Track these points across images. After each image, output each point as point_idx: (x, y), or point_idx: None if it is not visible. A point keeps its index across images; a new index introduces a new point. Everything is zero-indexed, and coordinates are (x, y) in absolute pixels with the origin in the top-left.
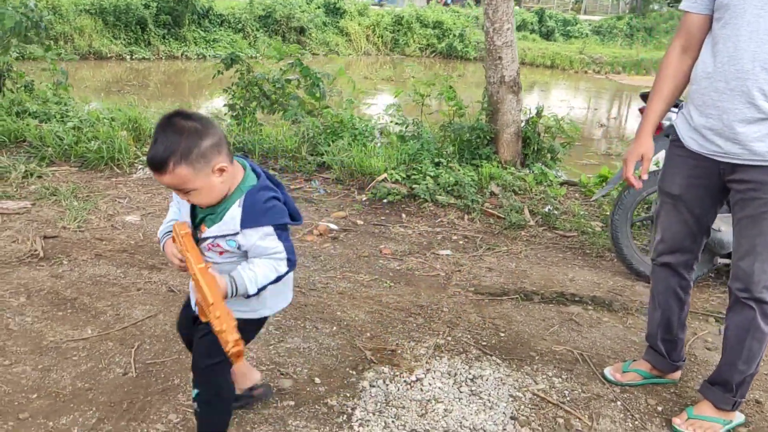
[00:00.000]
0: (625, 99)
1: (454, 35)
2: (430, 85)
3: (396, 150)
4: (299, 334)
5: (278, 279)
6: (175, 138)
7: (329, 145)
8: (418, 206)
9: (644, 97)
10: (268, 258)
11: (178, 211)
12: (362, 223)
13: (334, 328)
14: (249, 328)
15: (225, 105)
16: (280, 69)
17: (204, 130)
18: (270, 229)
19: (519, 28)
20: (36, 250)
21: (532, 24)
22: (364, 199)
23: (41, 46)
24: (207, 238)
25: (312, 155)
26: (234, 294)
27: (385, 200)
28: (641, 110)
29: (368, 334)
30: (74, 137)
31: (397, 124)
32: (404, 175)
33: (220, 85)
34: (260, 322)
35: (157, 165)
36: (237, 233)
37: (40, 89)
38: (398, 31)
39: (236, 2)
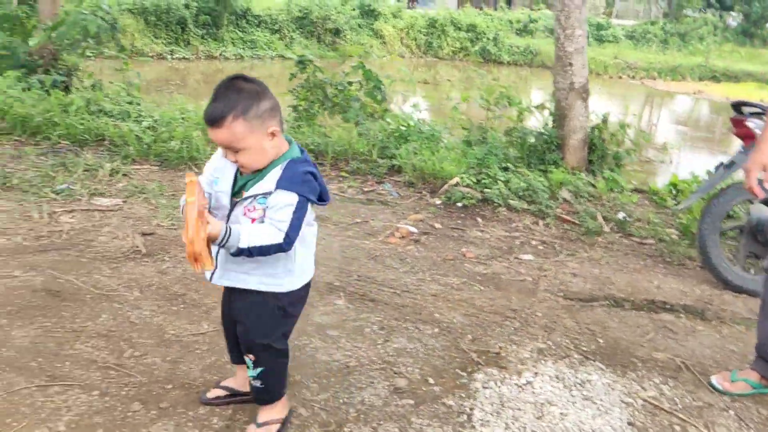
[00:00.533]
0: (659, 104)
1: (488, 39)
2: (491, 92)
3: (463, 154)
4: (403, 335)
5: (269, 250)
6: (235, 96)
7: (397, 148)
8: (492, 210)
9: (735, 106)
10: (271, 224)
11: (210, 182)
12: (440, 226)
13: (436, 329)
14: (285, 300)
15: (289, 106)
16: (343, 72)
17: (263, 93)
18: (296, 199)
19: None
20: (137, 247)
21: None
22: (438, 202)
23: (115, 47)
24: (247, 199)
25: (382, 158)
26: (224, 241)
27: (459, 204)
28: (732, 120)
29: (470, 337)
30: (152, 137)
31: (463, 128)
32: (475, 180)
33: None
34: (291, 297)
35: (217, 118)
36: (271, 192)
37: (110, 89)
38: (432, 33)
39: (273, 3)
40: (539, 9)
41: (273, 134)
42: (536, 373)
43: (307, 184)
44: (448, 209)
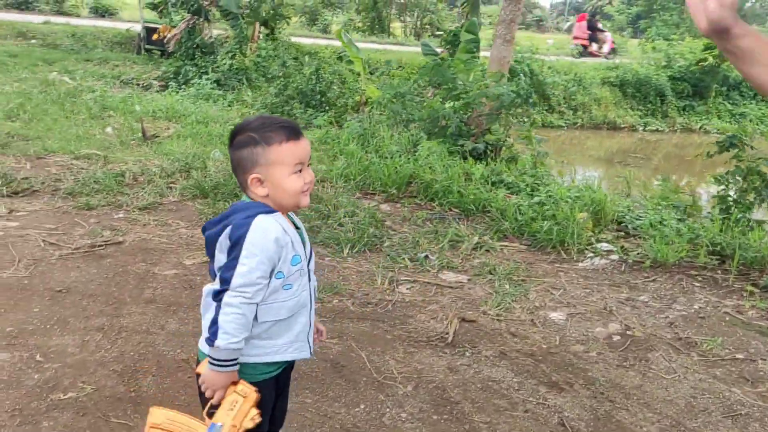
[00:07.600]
0: None
1: None
2: None
3: None
4: None
5: None
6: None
7: None
8: None
9: None
10: None
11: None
12: None
13: None
14: None
15: (715, 196)
16: None
17: None
18: None
19: None
20: (446, 333)
21: None
22: None
23: (526, 118)
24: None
25: None
26: None
27: None
28: None
29: None
30: (535, 213)
31: None
32: None
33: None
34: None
35: (300, 129)
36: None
37: (522, 161)
38: None
39: None
40: None
41: None
42: None
43: None
44: None
